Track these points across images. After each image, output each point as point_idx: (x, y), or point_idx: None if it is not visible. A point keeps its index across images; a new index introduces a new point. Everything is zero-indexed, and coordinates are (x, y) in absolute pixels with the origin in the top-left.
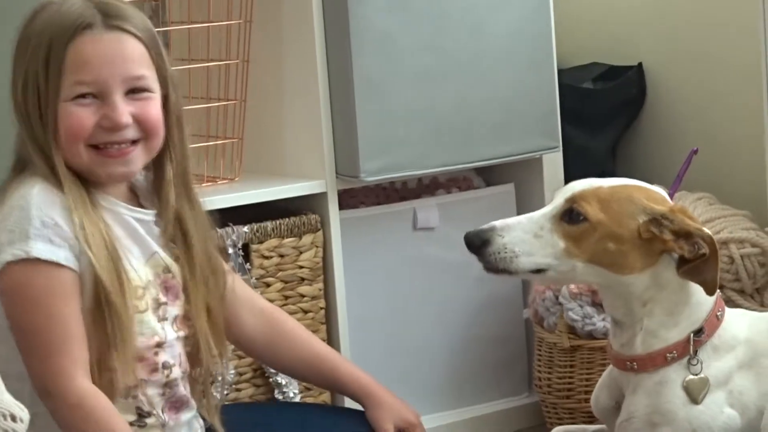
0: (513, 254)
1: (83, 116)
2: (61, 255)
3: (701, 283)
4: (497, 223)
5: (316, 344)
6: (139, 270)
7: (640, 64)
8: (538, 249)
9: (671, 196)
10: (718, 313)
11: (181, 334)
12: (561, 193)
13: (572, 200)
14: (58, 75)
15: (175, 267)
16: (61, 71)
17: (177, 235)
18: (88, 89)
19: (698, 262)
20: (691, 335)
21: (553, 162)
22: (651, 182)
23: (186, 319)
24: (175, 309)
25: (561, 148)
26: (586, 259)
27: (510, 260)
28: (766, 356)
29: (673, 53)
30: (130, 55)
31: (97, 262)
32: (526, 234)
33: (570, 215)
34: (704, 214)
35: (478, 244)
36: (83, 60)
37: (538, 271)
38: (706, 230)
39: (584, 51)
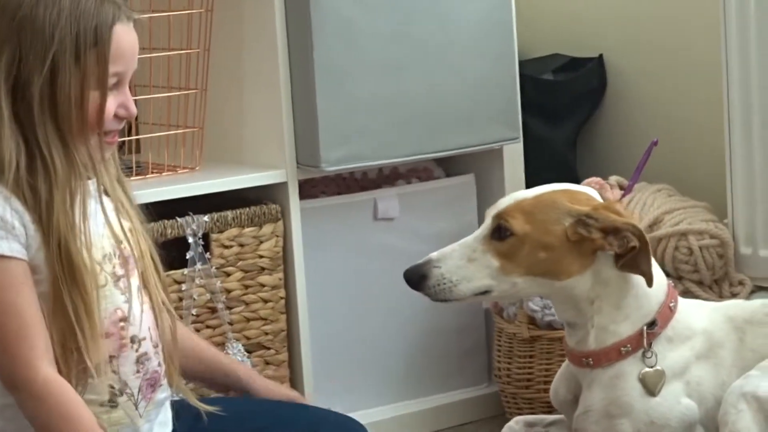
0: (451, 283)
1: (110, 105)
2: (5, 246)
3: (641, 275)
4: (433, 255)
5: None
6: (96, 243)
7: (600, 56)
8: (475, 272)
9: (631, 187)
10: (671, 305)
11: (146, 305)
12: (489, 212)
13: (498, 217)
14: (105, 63)
15: (124, 237)
16: (107, 59)
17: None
18: (116, 79)
19: (632, 255)
20: (644, 328)
21: (514, 153)
22: (611, 173)
23: (146, 289)
24: (135, 279)
25: (522, 138)
26: (523, 272)
27: (450, 290)
28: (723, 347)
29: (634, 45)
30: (137, 47)
31: (55, 244)
32: (461, 260)
33: (498, 233)
34: (663, 206)
35: (416, 279)
36: (121, 51)
37: (482, 293)
38: (633, 222)
39: (546, 42)
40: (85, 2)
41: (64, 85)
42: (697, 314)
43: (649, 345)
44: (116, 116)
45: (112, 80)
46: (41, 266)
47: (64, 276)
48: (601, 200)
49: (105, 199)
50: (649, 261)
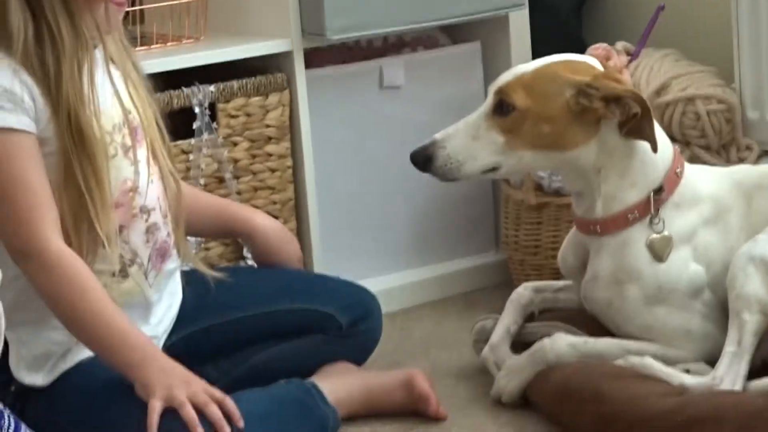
0: (458, 163)
1: None
2: (13, 120)
3: (645, 140)
4: (437, 135)
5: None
6: (105, 114)
7: None
8: (480, 150)
9: (638, 53)
10: (678, 170)
11: (155, 176)
12: (491, 88)
13: (499, 93)
14: None
15: (132, 107)
16: None
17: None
18: None
19: (635, 121)
20: (651, 194)
21: (520, 20)
22: (618, 39)
23: (154, 158)
24: (143, 150)
25: (527, 4)
26: (529, 146)
27: (457, 169)
28: (730, 211)
29: None
30: None
31: (64, 114)
32: (465, 139)
33: (501, 109)
34: (670, 71)
35: (422, 161)
36: None
37: (490, 170)
38: (633, 90)
39: None
40: None
41: None
42: (705, 179)
43: (657, 211)
44: None
45: None
46: (51, 138)
47: (74, 146)
48: (601, 69)
49: (112, 68)
50: (652, 127)
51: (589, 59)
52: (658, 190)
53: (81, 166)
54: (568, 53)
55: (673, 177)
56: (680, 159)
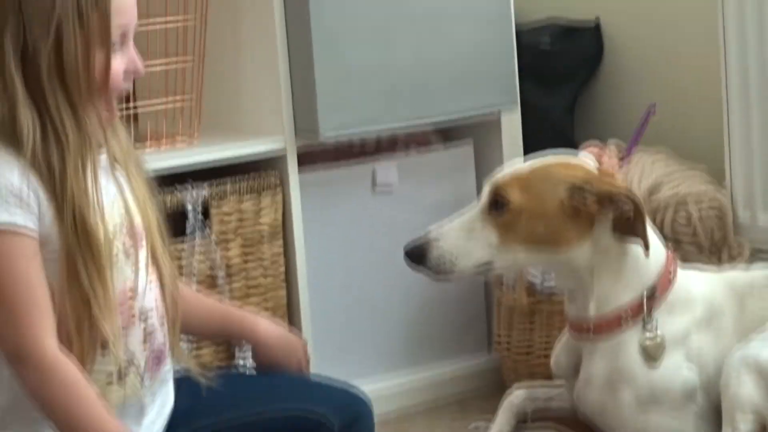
0: (452, 257)
1: (118, 64)
2: (19, 219)
3: (638, 240)
4: (432, 231)
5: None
6: (108, 215)
7: (597, 25)
8: (475, 246)
9: (629, 153)
10: (671, 273)
11: (153, 277)
12: (486, 185)
13: (495, 190)
14: (107, 19)
15: (134, 208)
16: (109, 16)
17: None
18: (120, 31)
19: (629, 221)
20: (644, 296)
21: (512, 120)
22: (609, 138)
23: (154, 261)
24: (143, 253)
25: (519, 106)
26: (523, 244)
27: (451, 265)
28: (723, 314)
29: (631, 11)
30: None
31: (69, 213)
32: (460, 234)
33: (496, 205)
34: (662, 171)
35: (416, 257)
36: (122, 4)
37: (484, 267)
38: (628, 190)
39: (541, 6)
40: None
41: (70, 49)
42: (697, 282)
43: (650, 313)
44: (125, 74)
45: (116, 33)
46: (54, 240)
47: (78, 244)
48: (596, 170)
49: (116, 170)
50: (644, 226)
51: (584, 159)
52: (651, 292)
53: (85, 265)
54: (563, 152)
55: (666, 279)
56: (673, 261)
